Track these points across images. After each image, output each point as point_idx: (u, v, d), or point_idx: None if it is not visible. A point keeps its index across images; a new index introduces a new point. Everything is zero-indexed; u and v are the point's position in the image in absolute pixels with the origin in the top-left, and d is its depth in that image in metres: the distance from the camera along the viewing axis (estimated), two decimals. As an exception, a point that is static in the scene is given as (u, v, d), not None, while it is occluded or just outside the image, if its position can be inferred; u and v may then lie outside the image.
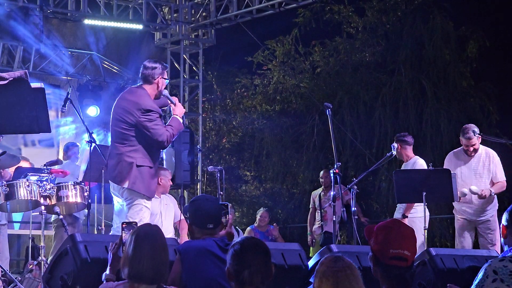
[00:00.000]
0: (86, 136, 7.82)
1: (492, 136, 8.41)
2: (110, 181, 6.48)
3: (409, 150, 8.56)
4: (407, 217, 8.19)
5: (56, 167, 8.46)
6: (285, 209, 14.05)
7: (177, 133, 6.46)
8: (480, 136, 7.92)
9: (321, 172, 10.28)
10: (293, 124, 14.30)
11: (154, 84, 6.45)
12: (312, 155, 13.61)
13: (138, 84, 6.58)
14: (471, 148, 7.91)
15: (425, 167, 8.22)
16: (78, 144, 9.46)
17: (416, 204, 8.23)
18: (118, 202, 6.52)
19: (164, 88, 6.59)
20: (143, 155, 6.32)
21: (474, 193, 7.79)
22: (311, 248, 10.27)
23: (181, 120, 6.49)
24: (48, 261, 7.22)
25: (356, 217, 8.28)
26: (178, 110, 6.50)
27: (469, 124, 8.05)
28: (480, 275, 3.42)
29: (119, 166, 6.30)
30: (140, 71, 6.49)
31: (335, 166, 7.65)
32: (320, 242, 9.77)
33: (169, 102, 6.60)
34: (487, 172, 7.95)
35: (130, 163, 6.27)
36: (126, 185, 6.29)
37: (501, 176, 7.97)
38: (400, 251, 3.56)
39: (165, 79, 6.52)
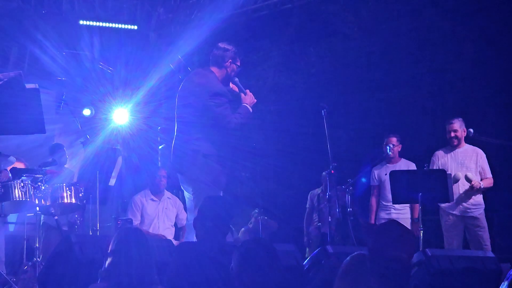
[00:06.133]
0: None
1: (489, 136, 8.46)
2: (178, 174, 6.09)
3: None
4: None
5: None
6: (280, 209, 14.02)
7: (246, 122, 6.04)
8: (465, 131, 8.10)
9: (323, 173, 10.19)
10: (288, 125, 14.26)
11: (223, 68, 6.08)
12: (307, 155, 13.59)
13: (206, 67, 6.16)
14: (452, 134, 8.10)
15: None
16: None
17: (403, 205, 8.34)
18: (187, 197, 6.10)
19: (235, 76, 6.17)
20: (210, 143, 5.90)
21: (469, 180, 7.91)
22: (307, 248, 10.25)
23: (250, 110, 6.07)
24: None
25: (352, 217, 8.31)
26: (248, 100, 6.11)
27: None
28: None
29: (185, 156, 5.93)
30: (212, 51, 6.09)
31: (331, 166, 7.66)
32: (317, 243, 9.76)
33: (240, 90, 6.15)
34: (475, 166, 8.07)
35: (195, 152, 5.88)
36: (192, 176, 5.92)
37: (488, 172, 8.12)
38: (398, 253, 3.54)
39: (236, 65, 6.11)
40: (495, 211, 8.26)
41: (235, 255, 3.66)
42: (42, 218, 8.39)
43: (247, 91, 6.19)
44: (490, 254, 6.87)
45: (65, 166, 9.09)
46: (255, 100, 6.18)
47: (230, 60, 6.10)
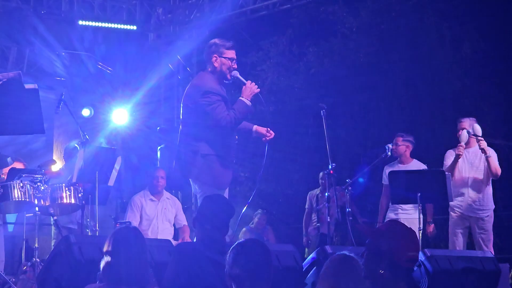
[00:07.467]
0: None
1: (488, 136, 8.44)
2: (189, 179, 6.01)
3: (410, 152, 8.64)
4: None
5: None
6: (279, 210, 14.02)
7: (242, 117, 5.98)
8: (473, 136, 8.00)
9: (320, 174, 10.17)
10: (287, 125, 14.26)
11: (211, 65, 6.01)
12: (306, 155, 13.59)
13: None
14: (461, 132, 8.06)
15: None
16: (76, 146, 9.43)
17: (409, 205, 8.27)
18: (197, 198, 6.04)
19: (235, 69, 6.06)
20: (208, 143, 5.85)
21: (475, 135, 7.87)
22: (306, 249, 10.24)
23: (248, 103, 5.98)
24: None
25: (351, 218, 8.27)
26: (246, 92, 6.00)
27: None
28: None
29: (185, 157, 5.89)
30: None
31: (330, 167, 7.63)
32: (316, 244, 9.73)
33: (240, 83, 6.05)
34: (483, 166, 8.02)
35: (194, 153, 5.84)
36: (192, 176, 5.89)
37: (496, 163, 8.04)
38: (415, 253, 3.58)
39: (226, 58, 6.02)
40: (493, 211, 8.23)
41: (230, 254, 3.66)
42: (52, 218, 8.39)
43: (248, 82, 6.09)
44: (489, 254, 6.88)
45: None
46: (257, 90, 6.08)
47: (215, 55, 6.03)
